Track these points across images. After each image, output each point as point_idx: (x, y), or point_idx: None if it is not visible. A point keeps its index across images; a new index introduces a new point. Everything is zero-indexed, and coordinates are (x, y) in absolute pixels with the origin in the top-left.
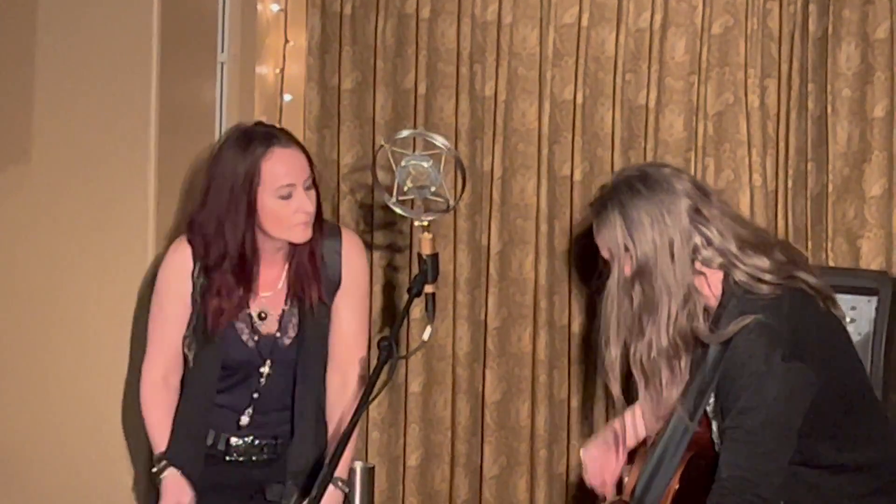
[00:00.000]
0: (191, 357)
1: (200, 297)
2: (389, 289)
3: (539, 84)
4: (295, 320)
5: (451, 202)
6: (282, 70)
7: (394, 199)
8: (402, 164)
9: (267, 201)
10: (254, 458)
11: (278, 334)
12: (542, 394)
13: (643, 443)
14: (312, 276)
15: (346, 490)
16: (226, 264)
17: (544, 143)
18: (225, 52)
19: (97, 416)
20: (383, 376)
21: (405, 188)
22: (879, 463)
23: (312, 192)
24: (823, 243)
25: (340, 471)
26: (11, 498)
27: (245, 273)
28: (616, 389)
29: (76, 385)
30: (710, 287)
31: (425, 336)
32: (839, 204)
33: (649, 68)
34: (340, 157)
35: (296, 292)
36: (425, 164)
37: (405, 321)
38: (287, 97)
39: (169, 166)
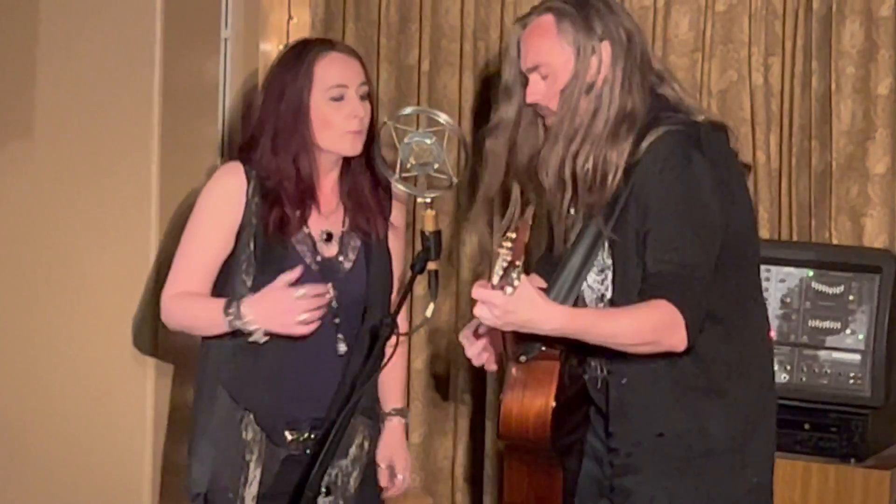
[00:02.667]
0: (249, 285)
1: (258, 217)
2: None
3: None
4: (354, 243)
5: (454, 179)
6: (285, 46)
7: (397, 176)
8: (406, 140)
9: (318, 104)
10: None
11: (340, 258)
12: None
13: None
14: (377, 210)
15: (407, 420)
16: (284, 175)
17: None
18: (228, 29)
19: (101, 392)
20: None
21: (408, 165)
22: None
23: (367, 105)
24: (827, 221)
25: (399, 402)
26: (19, 479)
27: (303, 185)
28: (552, 173)
29: (80, 360)
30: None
31: (428, 313)
32: (843, 182)
33: (653, 45)
34: None
35: (357, 224)
36: (428, 141)
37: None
38: None
39: (172, 142)
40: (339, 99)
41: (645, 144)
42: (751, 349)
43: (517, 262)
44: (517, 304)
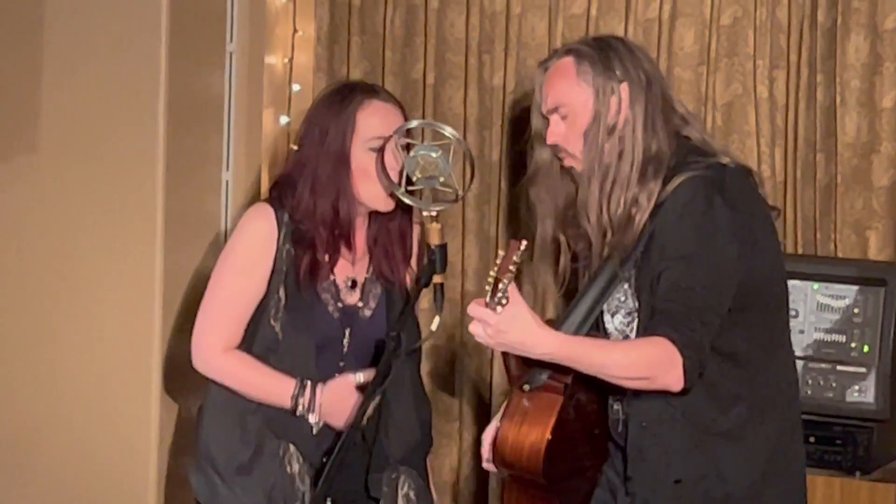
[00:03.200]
0: (278, 330)
1: (288, 264)
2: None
3: None
4: (376, 291)
5: (460, 192)
6: (290, 60)
7: (402, 190)
8: (411, 154)
9: (357, 153)
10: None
11: (360, 304)
12: None
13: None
14: (402, 261)
15: None
16: (318, 220)
17: None
18: (233, 42)
19: (107, 406)
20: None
21: (414, 178)
22: (769, 387)
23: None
24: (832, 234)
25: None
26: (25, 492)
27: (339, 231)
28: (594, 218)
29: (85, 375)
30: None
31: (433, 326)
32: (847, 195)
33: (658, 59)
34: None
35: (381, 272)
36: (434, 155)
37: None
38: (296, 87)
39: (177, 156)
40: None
41: (669, 188)
42: (774, 393)
43: (503, 279)
44: (510, 324)
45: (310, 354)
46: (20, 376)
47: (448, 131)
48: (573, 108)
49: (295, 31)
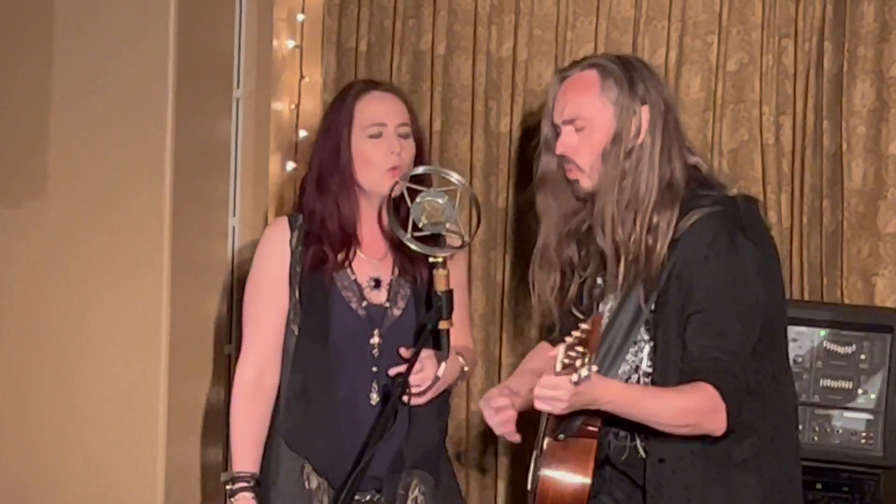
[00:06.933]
0: (296, 331)
1: (301, 264)
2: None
3: None
4: (404, 292)
5: (466, 238)
6: (297, 106)
7: (409, 236)
8: (417, 200)
9: (357, 142)
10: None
11: (388, 304)
12: None
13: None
14: (423, 260)
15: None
16: (326, 214)
17: None
18: (240, 88)
19: (112, 451)
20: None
21: (420, 224)
22: (769, 415)
23: (409, 142)
24: (838, 280)
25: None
26: None
27: (344, 223)
28: (608, 237)
29: (92, 419)
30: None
31: (440, 372)
32: (854, 241)
33: None
34: None
35: (405, 270)
36: (440, 201)
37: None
38: (302, 133)
39: (184, 201)
40: (378, 136)
41: (686, 224)
42: (784, 422)
43: (587, 360)
44: (584, 385)
45: (324, 355)
46: (25, 420)
47: (454, 177)
48: (591, 123)
49: (302, 77)
